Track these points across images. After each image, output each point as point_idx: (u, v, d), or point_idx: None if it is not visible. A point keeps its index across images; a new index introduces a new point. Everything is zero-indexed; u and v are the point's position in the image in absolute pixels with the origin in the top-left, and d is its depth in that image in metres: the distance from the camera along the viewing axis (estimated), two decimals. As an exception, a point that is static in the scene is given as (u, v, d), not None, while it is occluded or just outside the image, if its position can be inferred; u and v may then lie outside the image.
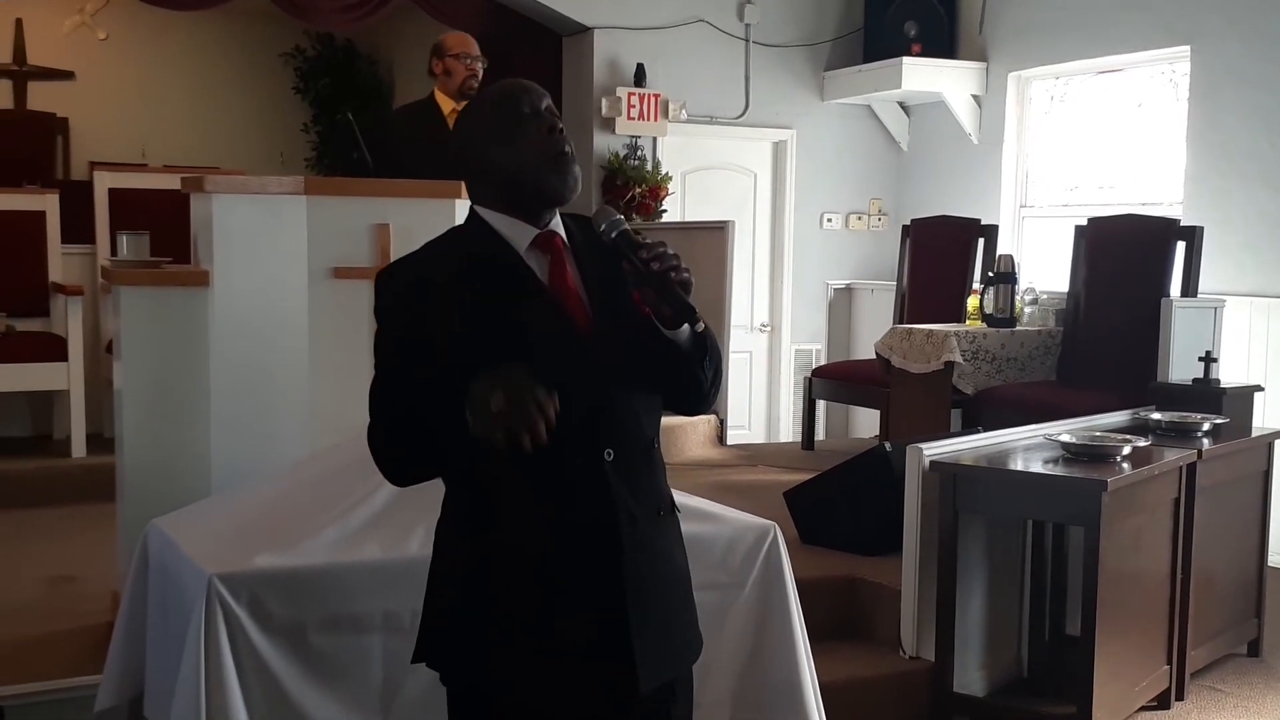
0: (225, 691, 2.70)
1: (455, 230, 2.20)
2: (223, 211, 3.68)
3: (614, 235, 2.08)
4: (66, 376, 5.73)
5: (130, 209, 6.28)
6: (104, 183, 6.50)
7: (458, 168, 2.19)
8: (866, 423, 7.77)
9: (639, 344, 2.08)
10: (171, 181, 5.39)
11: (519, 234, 2.12)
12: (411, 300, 2.08)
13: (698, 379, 2.13)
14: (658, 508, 2.18)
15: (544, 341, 2.06)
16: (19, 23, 10.65)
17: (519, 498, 2.08)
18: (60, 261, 6.20)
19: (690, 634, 2.26)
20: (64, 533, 4.97)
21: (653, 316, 2.06)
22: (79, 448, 5.74)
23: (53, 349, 5.78)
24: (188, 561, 2.86)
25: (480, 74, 5.41)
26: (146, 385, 3.69)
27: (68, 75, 10.82)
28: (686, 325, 2.07)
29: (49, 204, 6.21)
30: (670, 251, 2.03)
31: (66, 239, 6.27)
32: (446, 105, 5.42)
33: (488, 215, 2.14)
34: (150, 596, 3.11)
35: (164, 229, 4.55)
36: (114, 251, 4.87)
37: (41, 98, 10.78)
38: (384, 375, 2.13)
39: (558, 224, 2.16)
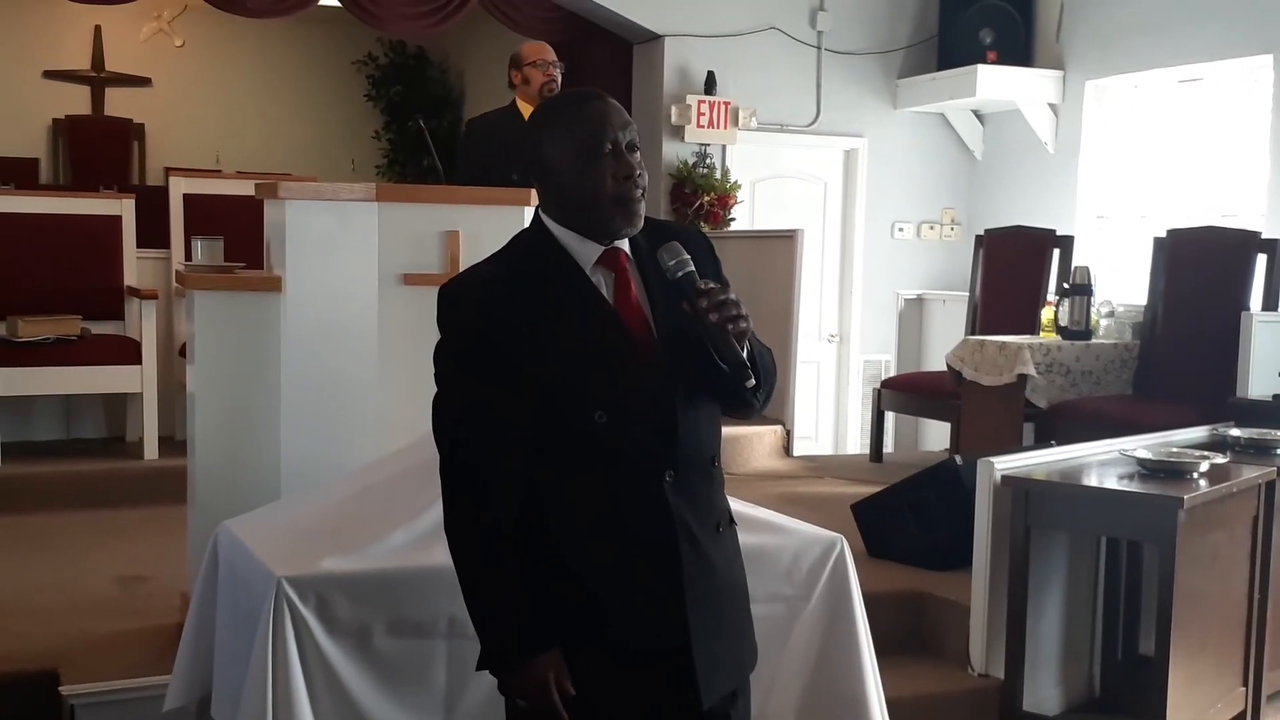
0: (291, 693, 2.71)
1: (520, 239, 2.20)
2: (296, 217, 3.72)
3: (679, 275, 2.07)
4: (140, 379, 5.81)
5: (204, 214, 6.37)
6: (179, 188, 6.60)
7: (526, 173, 2.18)
8: (936, 436, 7.69)
9: (698, 364, 2.08)
10: (245, 187, 5.46)
11: (585, 250, 2.12)
12: (474, 323, 2.09)
13: (749, 402, 2.14)
14: (717, 524, 2.18)
15: (607, 364, 2.08)
16: (98, 30, 10.87)
17: (580, 520, 2.09)
18: (135, 265, 6.28)
19: (748, 644, 2.28)
20: (135, 533, 5.03)
21: (713, 353, 2.06)
22: (151, 450, 5.81)
23: (127, 352, 5.85)
24: (257, 563, 2.88)
25: (559, 79, 5.48)
26: (219, 389, 3.74)
27: (144, 81, 11.04)
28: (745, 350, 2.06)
29: (125, 208, 6.30)
30: (731, 298, 2.03)
31: (142, 243, 6.36)
32: (527, 111, 5.46)
33: (554, 228, 2.13)
34: (219, 598, 3.14)
35: (237, 234, 4.61)
36: (188, 256, 4.93)
37: (119, 103, 11.00)
38: (445, 398, 2.17)
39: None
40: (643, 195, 2.10)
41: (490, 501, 2.10)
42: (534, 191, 3.87)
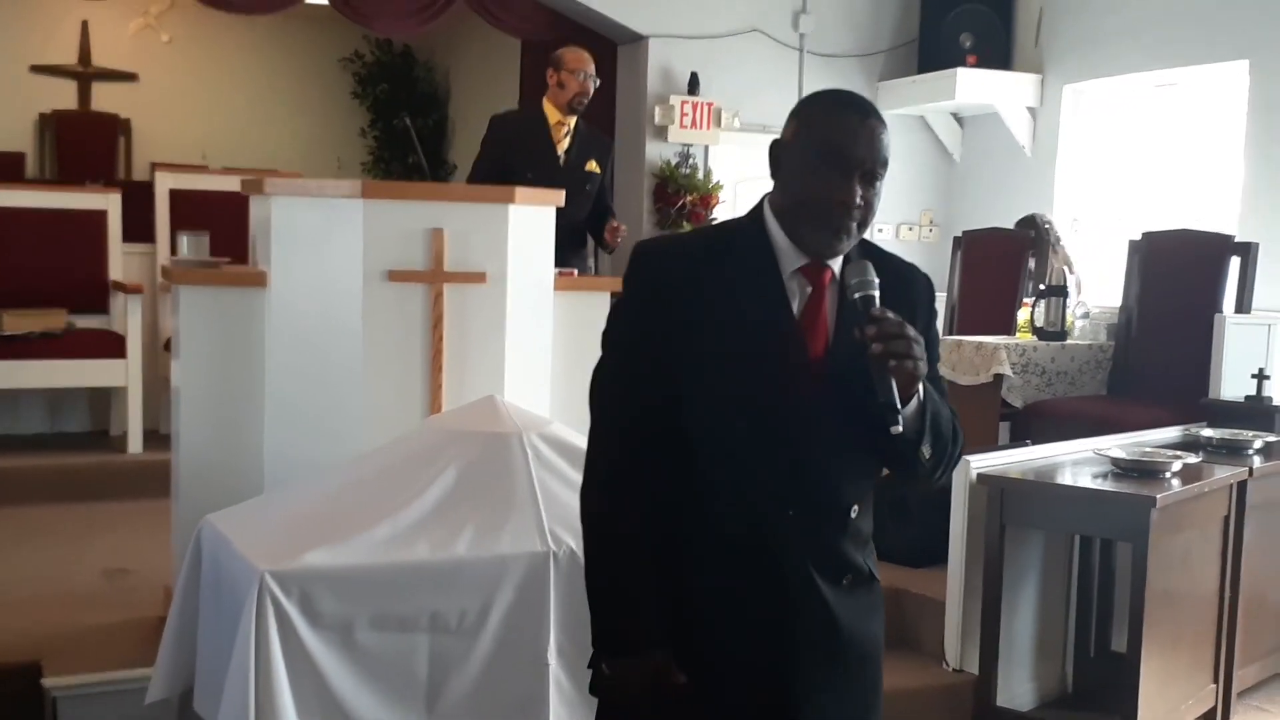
0: (274, 686, 2.74)
1: (735, 222, 2.11)
2: (281, 213, 3.74)
3: (856, 296, 1.94)
4: (125, 374, 5.83)
5: (190, 209, 6.38)
6: (165, 183, 6.61)
7: (769, 152, 2.07)
8: (914, 434, 7.73)
9: (863, 405, 1.94)
10: (231, 183, 5.48)
11: (790, 254, 2.01)
12: (660, 283, 2.00)
13: (913, 458, 1.99)
14: (843, 575, 2.05)
15: (767, 374, 1.97)
16: (85, 24, 10.84)
17: (697, 540, 2.01)
18: (121, 260, 6.29)
19: (872, 711, 2.13)
20: (119, 527, 5.05)
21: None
22: (135, 444, 5.84)
23: (112, 346, 5.87)
24: (240, 558, 2.90)
25: (591, 91, 5.53)
26: (203, 383, 3.76)
27: (131, 77, 11.00)
28: (914, 400, 1.94)
29: (111, 203, 6.31)
30: (907, 335, 1.89)
31: (127, 238, 6.37)
32: (554, 116, 5.55)
33: (770, 221, 2.04)
34: (202, 591, 3.16)
35: (223, 230, 4.63)
36: (174, 251, 4.95)
37: (105, 99, 10.96)
38: (609, 367, 2.06)
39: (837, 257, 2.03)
40: (854, 228, 1.97)
41: (637, 484, 2.01)
42: (524, 191, 3.91)
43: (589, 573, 2.06)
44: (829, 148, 1.95)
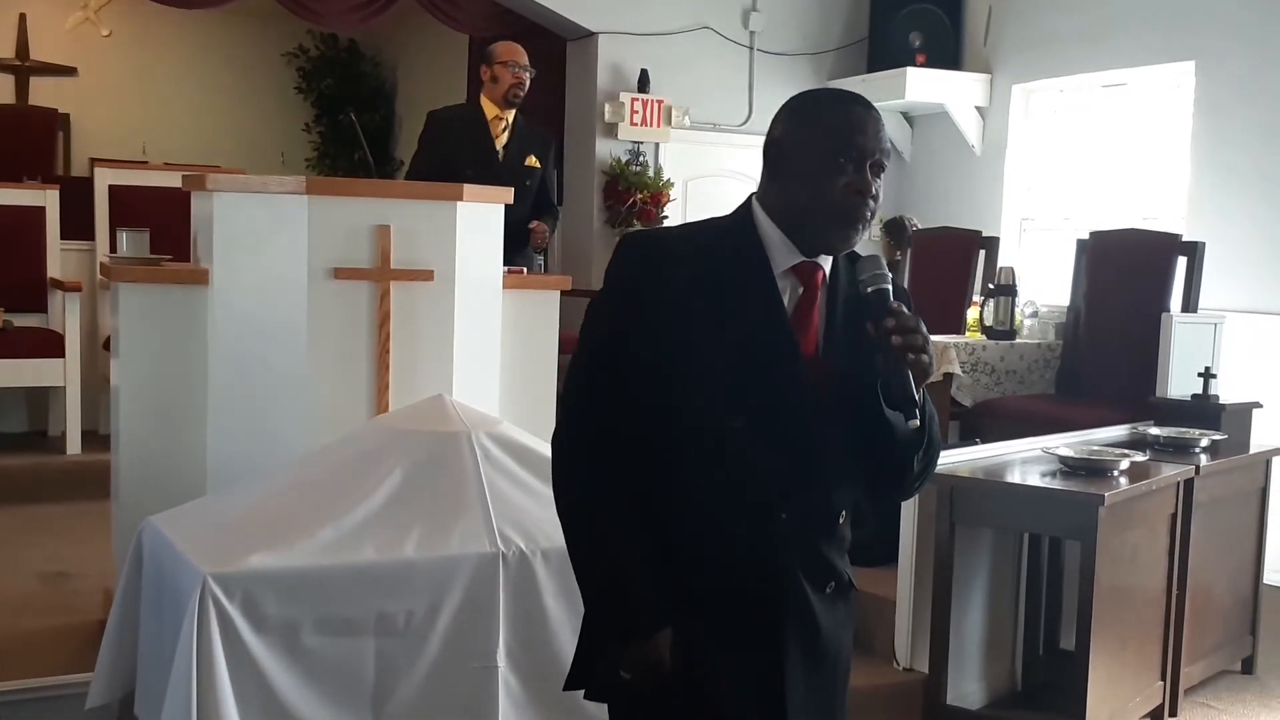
0: (217, 691, 2.69)
1: (720, 220, 2.07)
2: (223, 210, 3.68)
3: (870, 290, 1.96)
4: (63, 373, 5.74)
5: (130, 206, 6.28)
6: (104, 179, 6.51)
7: (764, 153, 2.04)
8: (864, 433, 7.74)
9: (858, 409, 1.95)
10: (172, 179, 5.40)
11: (784, 252, 1.99)
12: (648, 273, 1.96)
13: (904, 467, 2.01)
14: (827, 583, 2.06)
15: (762, 373, 1.94)
16: (22, 18, 10.65)
17: (688, 538, 1.97)
18: (59, 257, 6.21)
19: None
20: (58, 530, 4.97)
21: (880, 387, 1.94)
22: (74, 444, 5.75)
23: (50, 345, 5.78)
24: (182, 560, 2.85)
25: (527, 83, 5.52)
26: (144, 383, 3.70)
27: (70, 71, 10.82)
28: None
29: (49, 199, 6.22)
30: (922, 331, 1.90)
31: (66, 235, 6.27)
32: (491, 111, 5.54)
33: (762, 219, 2.02)
34: (144, 594, 3.11)
35: (164, 227, 4.56)
36: (113, 248, 4.88)
37: (43, 93, 10.77)
38: (588, 356, 2.01)
39: (826, 257, 2.03)
40: (869, 219, 1.97)
41: (619, 471, 1.94)
42: (472, 188, 3.87)
43: (582, 567, 1.99)
44: (843, 139, 1.95)
